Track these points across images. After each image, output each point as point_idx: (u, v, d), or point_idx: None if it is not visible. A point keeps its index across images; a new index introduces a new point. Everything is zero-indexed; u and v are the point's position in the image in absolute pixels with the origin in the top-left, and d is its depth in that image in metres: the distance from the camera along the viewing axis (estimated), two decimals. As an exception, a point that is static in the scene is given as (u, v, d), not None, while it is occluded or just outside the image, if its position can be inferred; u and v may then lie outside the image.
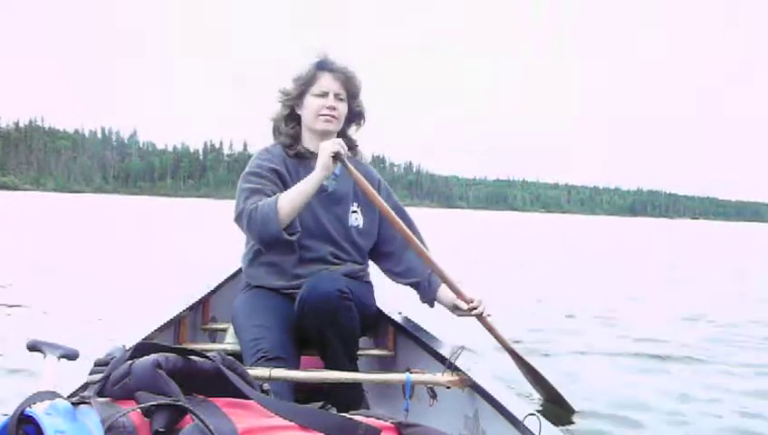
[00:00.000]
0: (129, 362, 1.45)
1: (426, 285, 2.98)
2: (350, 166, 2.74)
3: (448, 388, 2.50)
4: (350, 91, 2.99)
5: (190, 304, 3.33)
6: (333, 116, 2.92)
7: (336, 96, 2.93)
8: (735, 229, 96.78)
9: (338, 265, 2.92)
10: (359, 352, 2.92)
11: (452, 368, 2.52)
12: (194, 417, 1.31)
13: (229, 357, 1.57)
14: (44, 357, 1.95)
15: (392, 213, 2.76)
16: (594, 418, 3.87)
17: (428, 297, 3.00)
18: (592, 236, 40.93)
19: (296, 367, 2.66)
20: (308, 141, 2.98)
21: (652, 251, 26.37)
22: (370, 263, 3.13)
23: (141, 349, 1.51)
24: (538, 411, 2.00)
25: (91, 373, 1.65)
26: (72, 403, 1.32)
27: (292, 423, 1.43)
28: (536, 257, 18.76)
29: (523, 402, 2.26)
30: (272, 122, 3.07)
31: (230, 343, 3.01)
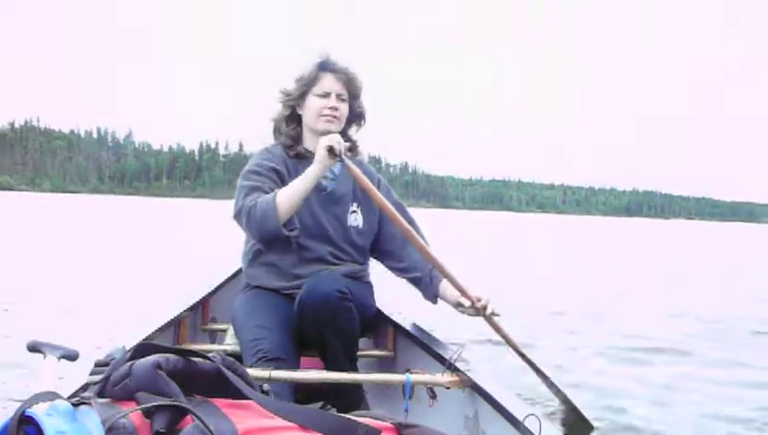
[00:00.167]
0: (130, 362, 1.45)
1: (427, 281, 2.95)
2: (347, 162, 2.73)
3: (448, 388, 2.50)
4: (352, 91, 2.99)
5: (190, 304, 3.34)
6: (335, 116, 2.92)
7: (338, 96, 2.93)
8: (728, 230, 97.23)
9: (337, 265, 2.92)
10: (358, 353, 2.92)
11: (452, 368, 2.52)
12: (194, 417, 1.31)
13: (229, 358, 1.57)
14: (44, 358, 1.95)
15: (392, 209, 2.73)
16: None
17: (430, 293, 2.96)
18: (587, 236, 41.04)
19: (296, 368, 2.66)
20: (309, 142, 2.97)
21: (645, 251, 26.47)
22: (371, 262, 3.13)
23: (141, 350, 1.51)
24: (539, 412, 2.01)
25: (91, 374, 1.65)
26: (73, 404, 1.32)
27: (292, 424, 1.43)
28: (530, 257, 18.80)
29: (523, 403, 2.26)
30: (272, 123, 3.07)
31: (230, 343, 3.01)
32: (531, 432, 1.89)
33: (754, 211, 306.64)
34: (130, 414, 1.32)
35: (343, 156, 2.73)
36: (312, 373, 2.57)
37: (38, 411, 1.28)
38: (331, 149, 2.70)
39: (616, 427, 3.91)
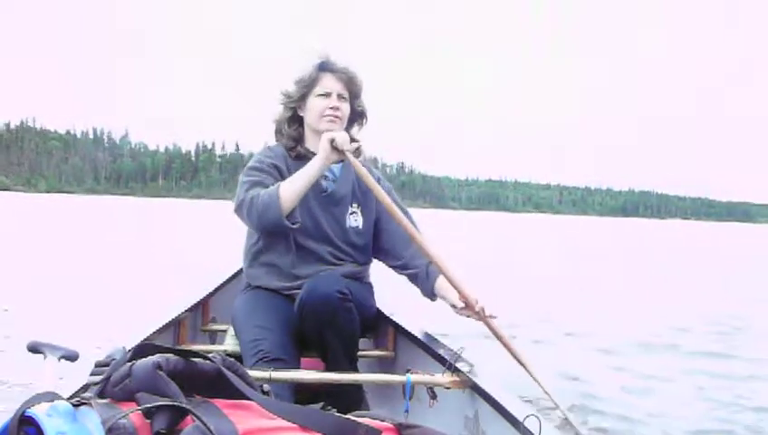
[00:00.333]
0: (130, 363, 1.45)
1: (423, 277, 2.92)
2: (350, 157, 2.74)
3: (448, 389, 2.49)
4: (353, 91, 2.99)
5: (190, 305, 3.34)
6: (337, 116, 2.92)
7: (339, 96, 2.94)
8: (724, 230, 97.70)
9: (337, 265, 2.92)
10: (359, 353, 2.92)
11: (452, 369, 2.52)
12: (194, 418, 1.31)
13: (229, 358, 1.57)
14: (45, 358, 1.95)
15: (392, 205, 2.73)
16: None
17: (427, 290, 2.93)
18: (583, 236, 41.12)
19: (296, 368, 2.66)
20: (310, 142, 2.97)
21: (641, 251, 26.56)
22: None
23: (142, 350, 1.51)
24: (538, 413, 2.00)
25: (91, 375, 1.65)
26: (73, 404, 1.32)
27: (292, 424, 1.43)
28: (526, 257, 18.83)
29: (524, 403, 2.26)
30: (274, 124, 3.07)
31: (230, 344, 3.01)
32: (531, 433, 1.88)
33: (750, 211, 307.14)
34: (131, 415, 1.31)
35: (346, 151, 2.73)
36: (313, 374, 2.56)
37: (38, 412, 1.28)
38: (333, 143, 2.71)
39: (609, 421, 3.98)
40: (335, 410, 1.57)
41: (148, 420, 1.32)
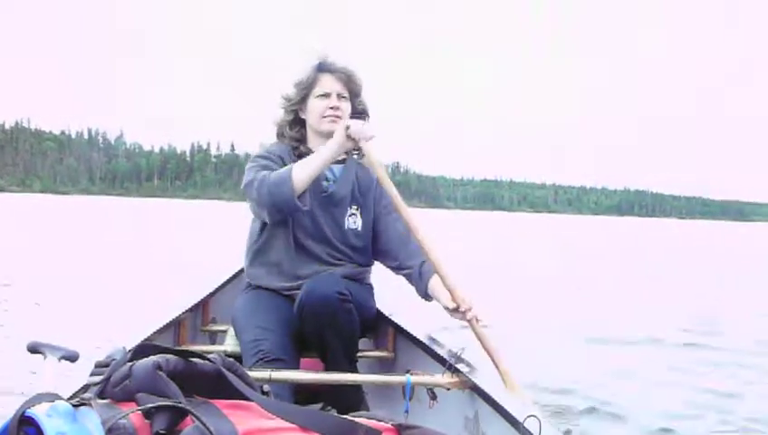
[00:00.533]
0: (130, 363, 1.45)
1: (417, 277, 2.91)
2: (365, 145, 2.77)
3: (448, 389, 2.49)
4: (352, 89, 2.99)
5: (190, 305, 3.33)
6: (338, 116, 2.92)
7: (339, 96, 2.94)
8: (718, 228, 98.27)
9: (336, 265, 2.92)
10: (359, 354, 2.92)
11: (452, 369, 2.51)
12: (194, 418, 1.31)
13: (229, 359, 1.57)
14: (45, 359, 1.95)
15: (399, 198, 2.76)
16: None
17: (421, 290, 2.92)
18: (579, 235, 41.21)
19: (296, 369, 2.66)
20: (313, 143, 2.97)
21: (636, 249, 26.66)
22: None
23: (142, 350, 1.51)
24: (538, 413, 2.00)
25: (91, 375, 1.65)
26: (73, 405, 1.32)
27: (292, 425, 1.43)
28: (521, 256, 18.87)
29: (524, 404, 2.26)
30: (275, 127, 3.07)
31: (230, 344, 3.01)
32: (531, 433, 1.88)
33: (744, 210, 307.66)
34: (130, 415, 1.32)
35: (361, 141, 2.75)
36: (312, 374, 2.56)
37: (38, 412, 1.28)
38: (348, 131, 2.74)
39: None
40: (335, 410, 1.58)
41: (148, 421, 1.32)
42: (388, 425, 1.53)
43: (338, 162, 2.97)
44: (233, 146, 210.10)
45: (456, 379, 2.47)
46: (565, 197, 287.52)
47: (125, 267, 11.48)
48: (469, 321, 2.67)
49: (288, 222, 2.89)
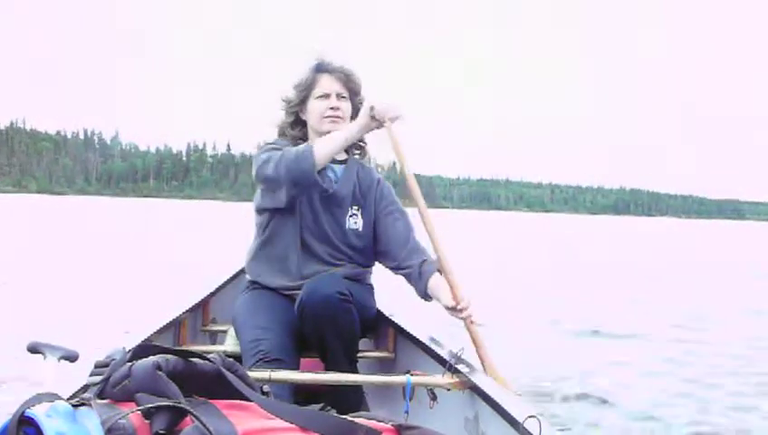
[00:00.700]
0: (130, 363, 1.45)
1: (416, 277, 2.90)
2: (388, 125, 2.80)
3: (449, 390, 2.48)
4: (352, 89, 3.00)
5: (190, 305, 3.33)
6: (338, 116, 2.93)
7: (338, 96, 2.94)
8: (713, 227, 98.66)
9: (336, 265, 2.92)
10: (359, 354, 2.91)
11: (452, 370, 2.51)
12: (194, 419, 1.31)
13: (229, 359, 1.57)
14: (44, 359, 1.94)
15: (417, 189, 2.81)
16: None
17: (421, 289, 2.91)
18: (575, 234, 41.29)
19: (296, 369, 2.66)
20: (313, 142, 2.97)
21: (632, 248, 26.75)
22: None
23: (141, 350, 1.51)
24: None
25: (91, 375, 1.64)
26: (73, 405, 1.32)
27: (292, 425, 1.43)
28: (518, 256, 18.90)
29: (524, 404, 2.26)
30: (276, 129, 3.08)
31: (230, 344, 3.00)
32: (531, 434, 1.87)
33: (740, 208, 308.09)
34: (130, 415, 1.32)
35: (386, 121, 2.78)
36: (312, 375, 2.55)
37: (38, 412, 1.28)
38: (372, 111, 2.77)
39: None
40: (335, 410, 1.58)
41: (148, 421, 1.32)
42: (388, 425, 1.53)
43: (339, 162, 2.98)
44: (229, 146, 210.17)
45: (456, 379, 2.47)
46: (561, 196, 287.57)
47: (124, 267, 11.47)
48: (465, 319, 2.68)
49: (296, 217, 2.89)
